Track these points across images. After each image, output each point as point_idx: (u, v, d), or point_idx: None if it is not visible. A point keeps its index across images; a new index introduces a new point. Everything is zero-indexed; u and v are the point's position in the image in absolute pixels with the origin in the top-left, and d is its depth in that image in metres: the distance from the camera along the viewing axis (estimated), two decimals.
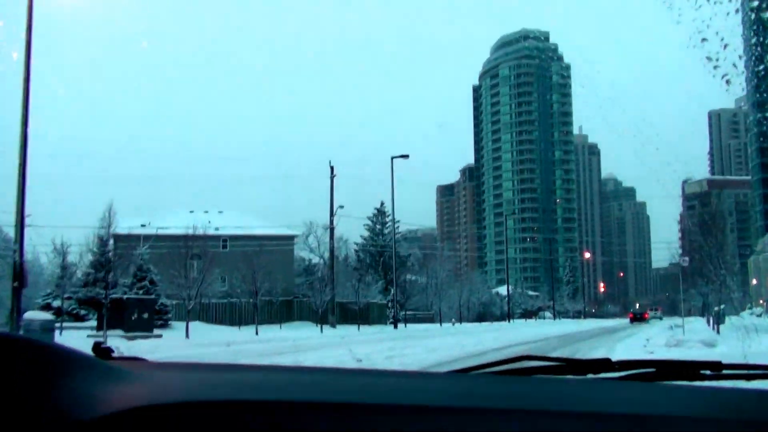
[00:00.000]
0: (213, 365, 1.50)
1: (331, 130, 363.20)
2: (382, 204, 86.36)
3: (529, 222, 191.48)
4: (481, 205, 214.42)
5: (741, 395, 1.36)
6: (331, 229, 46.65)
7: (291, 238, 52.58)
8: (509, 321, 76.10)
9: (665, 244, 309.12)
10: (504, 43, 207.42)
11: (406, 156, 47.07)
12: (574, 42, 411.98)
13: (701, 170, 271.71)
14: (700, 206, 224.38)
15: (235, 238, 48.88)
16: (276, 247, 48.73)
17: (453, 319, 56.84)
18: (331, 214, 46.37)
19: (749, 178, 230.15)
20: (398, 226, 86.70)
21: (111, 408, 1.07)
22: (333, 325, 45.52)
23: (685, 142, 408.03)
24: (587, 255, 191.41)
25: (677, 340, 18.18)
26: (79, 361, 1.24)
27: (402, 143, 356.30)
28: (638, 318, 78.49)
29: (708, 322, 42.65)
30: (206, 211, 51.92)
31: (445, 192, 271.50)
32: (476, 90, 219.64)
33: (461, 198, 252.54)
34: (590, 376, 1.58)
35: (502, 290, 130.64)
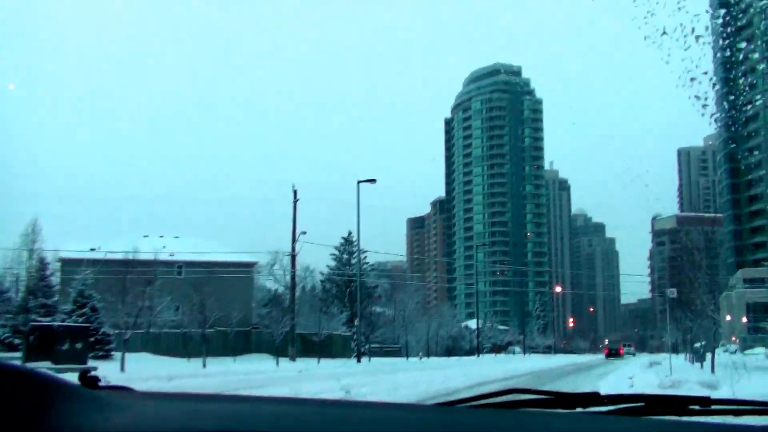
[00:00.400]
0: (202, 395, 1.48)
1: (301, 162, 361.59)
2: (349, 233, 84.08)
3: (499, 255, 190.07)
4: (452, 237, 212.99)
5: (730, 431, 1.37)
6: (293, 257, 44.19)
7: (251, 265, 49.92)
8: (478, 356, 73.75)
9: (640, 277, 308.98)
10: (476, 77, 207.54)
11: (373, 180, 44.95)
12: (547, 78, 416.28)
13: (670, 207, 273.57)
14: (670, 243, 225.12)
15: (191, 264, 46.15)
16: (235, 275, 46.14)
17: (420, 353, 54.40)
18: (293, 241, 43.98)
19: (718, 215, 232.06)
20: (366, 257, 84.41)
21: None
22: (292, 358, 42.92)
23: (655, 179, 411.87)
24: (558, 289, 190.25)
25: (672, 381, 16.04)
26: (65, 390, 1.21)
27: (372, 174, 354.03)
28: (613, 353, 78.38)
29: (692, 360, 40.59)
30: (161, 236, 49.19)
31: (415, 224, 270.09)
32: (448, 123, 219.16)
33: (431, 230, 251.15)
34: (579, 410, 1.55)
35: (472, 324, 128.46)
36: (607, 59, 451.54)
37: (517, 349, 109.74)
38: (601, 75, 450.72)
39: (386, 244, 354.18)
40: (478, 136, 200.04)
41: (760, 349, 67.72)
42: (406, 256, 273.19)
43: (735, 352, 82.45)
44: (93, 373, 1.43)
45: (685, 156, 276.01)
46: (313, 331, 49.66)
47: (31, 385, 1.13)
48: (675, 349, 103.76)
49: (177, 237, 49.92)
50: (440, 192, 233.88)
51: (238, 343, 42.84)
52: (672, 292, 26.80)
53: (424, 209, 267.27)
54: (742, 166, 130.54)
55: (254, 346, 44.63)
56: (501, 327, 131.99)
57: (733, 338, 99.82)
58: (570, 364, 46.24)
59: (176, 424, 1.19)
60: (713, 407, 1.56)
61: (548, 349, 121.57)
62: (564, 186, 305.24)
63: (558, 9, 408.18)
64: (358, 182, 44.80)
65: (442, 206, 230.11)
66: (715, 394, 16.69)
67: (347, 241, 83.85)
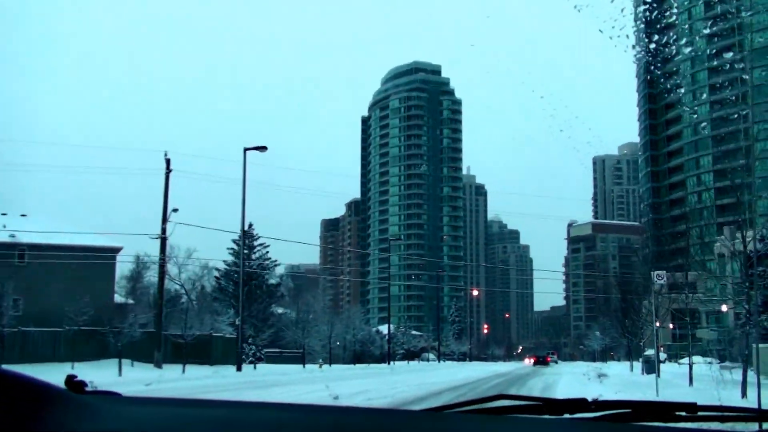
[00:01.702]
0: (189, 401, 1.47)
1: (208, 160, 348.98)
2: (250, 226, 75.51)
3: (415, 259, 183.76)
4: (366, 240, 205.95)
5: None
6: (163, 240, 35.87)
7: (114, 251, 41.15)
8: (389, 363, 66.46)
9: (553, 284, 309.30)
10: (395, 75, 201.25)
11: (262, 148, 37.01)
12: (465, 83, 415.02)
13: (585, 215, 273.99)
14: (585, 249, 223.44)
15: (37, 248, 37.18)
16: (94, 262, 37.48)
17: (320, 360, 46.47)
18: (164, 221, 35.70)
19: (633, 223, 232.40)
20: (268, 251, 76.28)
21: None
22: (157, 365, 34.64)
23: (570, 186, 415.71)
24: (475, 292, 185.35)
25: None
26: (51, 394, 1.20)
27: (287, 176, 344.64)
28: (541, 361, 77.17)
29: (645, 370, 34.09)
30: (4, 213, 40.04)
31: (330, 226, 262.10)
32: (365, 122, 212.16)
33: (346, 233, 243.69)
34: (567, 416, 1.56)
35: (384, 328, 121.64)
36: (525, 65, 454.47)
37: (432, 355, 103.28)
38: (519, 81, 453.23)
39: (301, 247, 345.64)
40: (395, 135, 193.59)
41: (697, 358, 62.82)
42: (320, 259, 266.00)
43: (664, 361, 77.75)
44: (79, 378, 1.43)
45: (600, 164, 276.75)
46: (202, 333, 41.63)
47: (17, 390, 1.11)
48: (604, 357, 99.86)
49: (24, 216, 40.86)
50: (356, 194, 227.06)
51: (92, 345, 34.20)
52: (660, 276, 20.02)
53: (339, 211, 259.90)
54: (662, 169, 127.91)
55: (113, 349, 35.90)
56: (415, 332, 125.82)
57: (660, 346, 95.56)
58: (493, 375, 39.35)
59: (164, 430, 1.19)
60: (699, 414, 1.57)
61: (464, 357, 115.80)
62: (480, 191, 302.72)
63: (479, 10, 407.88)
64: (245, 150, 36.96)
65: (357, 207, 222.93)
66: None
67: (247, 234, 75.31)
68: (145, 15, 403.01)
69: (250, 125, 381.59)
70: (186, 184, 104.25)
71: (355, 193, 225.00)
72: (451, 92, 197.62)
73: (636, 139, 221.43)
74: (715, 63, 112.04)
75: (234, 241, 75.48)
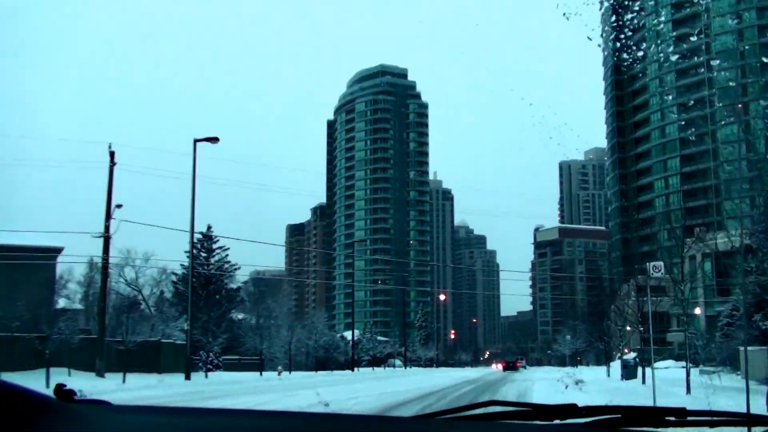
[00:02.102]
0: (178, 409, 1.46)
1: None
2: (208, 228, 72.76)
3: (381, 264, 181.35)
4: (332, 244, 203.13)
5: None
6: (106, 239, 33.10)
7: (54, 251, 38.20)
8: (353, 370, 63.97)
9: (520, 289, 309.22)
10: (361, 78, 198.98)
11: (214, 140, 34.41)
12: (433, 87, 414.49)
13: (552, 220, 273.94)
14: (552, 254, 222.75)
15: None
16: (30, 263, 34.57)
17: (279, 367, 43.81)
18: (107, 218, 32.95)
19: (599, 227, 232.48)
20: (227, 254, 73.47)
21: None
22: (100, 374, 31.88)
23: (537, 191, 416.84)
24: (443, 297, 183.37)
25: None
26: (40, 404, 1.20)
27: (253, 180, 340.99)
28: (510, 366, 76.68)
29: (621, 374, 32.01)
30: None
31: (295, 231, 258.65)
32: (331, 125, 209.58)
33: (312, 237, 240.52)
34: (557, 421, 1.56)
35: (349, 334, 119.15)
36: (490, 75, 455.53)
37: (398, 361, 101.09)
38: (485, 88, 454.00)
39: (266, 253, 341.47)
40: (361, 138, 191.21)
41: (669, 362, 61.18)
42: (285, 265, 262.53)
43: (637, 366, 76.13)
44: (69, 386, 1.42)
45: (566, 169, 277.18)
46: (151, 339, 38.88)
47: (6, 400, 1.11)
48: (574, 362, 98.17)
49: None
50: (321, 198, 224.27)
51: (26, 353, 31.28)
52: (657, 268, 17.88)
53: (305, 216, 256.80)
54: (630, 171, 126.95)
55: (52, 357, 32.98)
56: (381, 338, 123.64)
57: (626, 350, 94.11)
58: (463, 382, 37.07)
59: None
60: (689, 419, 1.57)
61: (431, 362, 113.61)
62: (447, 196, 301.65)
63: (446, 15, 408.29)
64: (195, 141, 34.34)
65: (323, 212, 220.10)
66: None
67: (206, 237, 72.47)
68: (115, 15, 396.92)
69: (215, 128, 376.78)
70: (150, 183, 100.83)
71: (321, 197, 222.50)
72: (418, 96, 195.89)
73: (601, 144, 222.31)
74: (682, 65, 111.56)
75: (193, 243, 72.67)
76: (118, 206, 32.54)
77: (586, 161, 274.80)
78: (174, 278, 71.49)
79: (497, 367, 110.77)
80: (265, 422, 1.39)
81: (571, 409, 1.57)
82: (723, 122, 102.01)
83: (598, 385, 25.30)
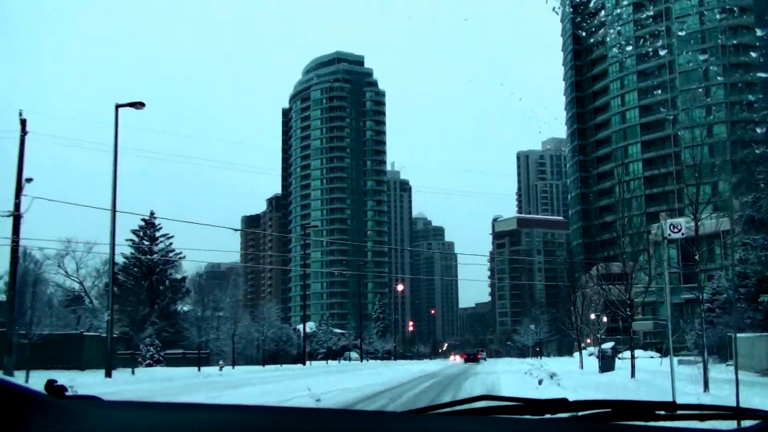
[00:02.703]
0: (169, 404, 1.46)
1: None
2: (151, 214, 68.47)
3: (337, 255, 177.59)
4: (288, 235, 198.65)
5: None
6: (17, 218, 28.99)
7: None
8: (304, 364, 60.34)
9: (478, 281, 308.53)
10: (317, 65, 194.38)
11: (138, 105, 30.43)
12: (390, 77, 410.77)
13: (510, 209, 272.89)
14: (510, 244, 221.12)
15: None
16: None
17: (221, 362, 39.89)
18: (17, 195, 28.85)
19: (557, 217, 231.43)
20: (171, 243, 69.29)
21: None
22: (8, 372, 27.85)
23: (495, 181, 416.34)
24: (400, 287, 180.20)
25: None
26: (31, 399, 1.20)
27: (208, 172, 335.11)
28: (471, 358, 76.15)
29: (599, 366, 28.87)
30: None
31: (251, 223, 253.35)
32: (286, 114, 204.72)
33: (267, 229, 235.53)
34: (548, 416, 1.58)
35: (306, 326, 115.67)
36: (449, 65, 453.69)
37: (354, 354, 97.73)
38: (443, 79, 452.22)
39: (221, 246, 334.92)
40: (317, 127, 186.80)
41: (638, 351, 58.74)
42: (241, 257, 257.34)
43: (592, 355, 73.53)
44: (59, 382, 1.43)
45: (524, 159, 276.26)
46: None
47: None
48: (536, 353, 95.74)
49: None
50: (277, 189, 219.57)
51: None
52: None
53: (261, 207, 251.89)
54: (590, 158, 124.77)
55: None
56: (337, 330, 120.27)
57: (589, 339, 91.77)
58: (422, 376, 33.67)
59: None
60: (679, 412, 1.61)
61: (388, 355, 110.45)
62: (405, 187, 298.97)
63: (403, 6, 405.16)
64: (117, 106, 30.28)
65: (279, 203, 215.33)
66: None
67: (148, 224, 68.19)
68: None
69: (170, 117, 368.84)
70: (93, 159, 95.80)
71: (277, 188, 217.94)
72: (375, 83, 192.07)
73: (560, 134, 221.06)
74: (643, 49, 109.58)
75: (134, 231, 68.30)
76: (28, 180, 28.50)
77: (544, 151, 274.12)
78: (115, 268, 66.98)
79: (455, 359, 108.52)
80: (255, 418, 1.39)
81: (561, 404, 1.58)
82: (684, 107, 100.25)
83: (575, 379, 22.15)
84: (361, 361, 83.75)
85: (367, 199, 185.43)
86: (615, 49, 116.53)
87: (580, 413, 1.58)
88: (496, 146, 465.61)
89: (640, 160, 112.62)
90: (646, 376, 23.48)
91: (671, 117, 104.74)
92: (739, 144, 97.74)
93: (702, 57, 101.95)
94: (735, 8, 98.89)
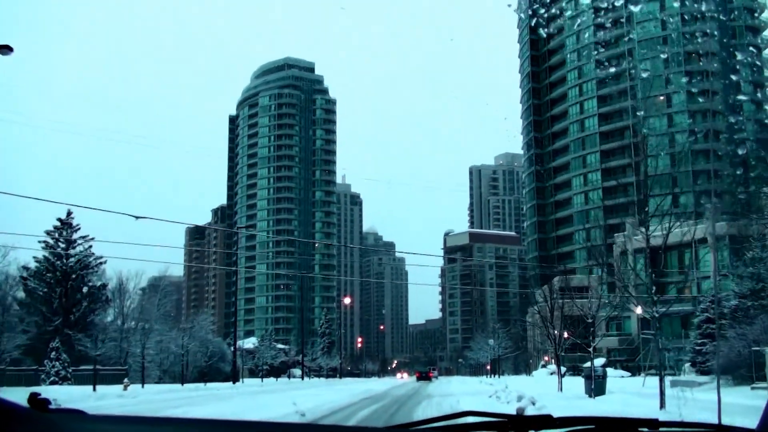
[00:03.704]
0: (153, 419, 1.43)
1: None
2: (68, 214, 61.32)
3: (284, 267, 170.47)
4: (232, 247, 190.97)
5: None
6: None
7: None
8: (235, 382, 53.81)
9: (429, 298, 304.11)
10: (266, 71, 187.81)
11: (5, 49, 24.10)
12: (341, 88, 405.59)
13: (461, 224, 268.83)
14: (462, 259, 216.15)
15: None
16: None
17: (126, 381, 33.28)
18: None
19: (510, 233, 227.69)
20: (91, 246, 62.16)
21: None
22: None
23: (447, 196, 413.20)
24: (347, 300, 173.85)
25: None
26: (13, 413, 1.18)
27: (151, 184, 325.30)
28: (424, 377, 75.24)
29: (590, 390, 23.04)
30: None
31: (196, 234, 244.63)
32: (233, 120, 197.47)
33: (212, 241, 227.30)
34: None
35: (248, 342, 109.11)
36: (403, 77, 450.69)
37: (298, 371, 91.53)
38: (397, 92, 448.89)
39: (164, 257, 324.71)
40: (264, 134, 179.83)
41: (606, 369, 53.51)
42: (184, 271, 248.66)
43: (553, 373, 68.15)
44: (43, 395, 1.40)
45: (476, 174, 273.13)
46: None
47: None
48: (493, 371, 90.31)
49: None
50: (223, 199, 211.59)
51: None
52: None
53: (206, 218, 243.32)
54: (547, 168, 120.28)
55: None
56: (280, 346, 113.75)
57: (546, 357, 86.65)
58: (365, 399, 27.67)
59: None
60: (661, 429, 1.58)
61: (334, 372, 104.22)
62: (356, 201, 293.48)
63: (356, 15, 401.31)
64: None
65: (224, 213, 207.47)
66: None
67: (64, 225, 61.03)
68: None
69: (114, 122, 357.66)
70: None
71: (223, 198, 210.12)
72: (325, 91, 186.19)
73: (514, 149, 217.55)
74: (603, 56, 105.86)
75: (47, 232, 61.12)
76: None
77: (496, 166, 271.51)
78: (24, 274, 59.59)
79: (403, 378, 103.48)
80: None
81: (545, 420, 1.55)
82: (646, 114, 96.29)
83: (566, 407, 16.46)
84: (303, 379, 77.30)
85: (315, 210, 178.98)
86: (573, 55, 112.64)
87: (564, 430, 1.53)
88: (448, 161, 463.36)
89: (599, 170, 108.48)
90: (652, 401, 17.89)
91: (630, 124, 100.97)
92: (701, 154, 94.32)
93: (663, 63, 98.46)
94: (698, 15, 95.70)
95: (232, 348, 77.58)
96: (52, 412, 1.36)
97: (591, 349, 22.90)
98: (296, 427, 1.42)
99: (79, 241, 61.16)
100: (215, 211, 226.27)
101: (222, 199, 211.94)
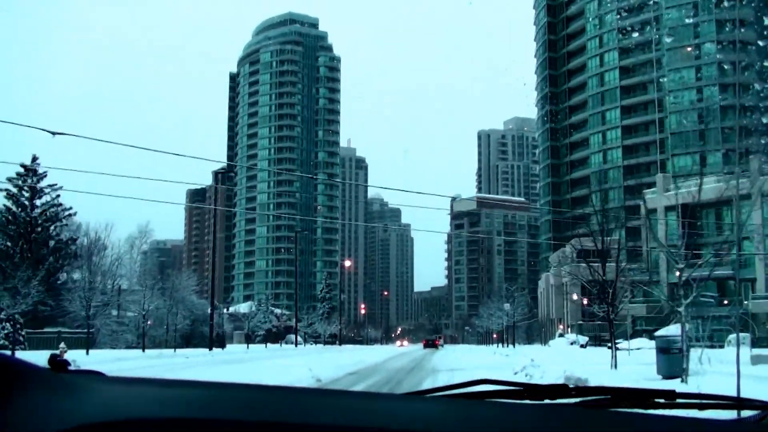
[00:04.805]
0: (174, 381, 1.46)
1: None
2: (33, 159, 54.91)
3: (285, 231, 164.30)
4: (232, 209, 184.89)
5: (694, 425, 1.43)
6: None
7: None
8: (211, 349, 47.76)
9: (435, 266, 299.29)
10: (267, 26, 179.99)
11: None
12: (346, 47, 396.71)
13: (470, 191, 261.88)
14: (469, 225, 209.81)
15: None
16: None
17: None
18: None
19: (519, 198, 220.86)
20: (59, 196, 55.87)
21: (66, 424, 1.07)
22: None
23: (455, 161, 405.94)
24: (348, 263, 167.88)
25: None
26: (34, 374, 1.21)
27: (153, 139, 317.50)
28: (431, 344, 75.42)
29: (658, 365, 16.28)
30: None
31: (196, 197, 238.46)
32: (234, 78, 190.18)
33: (213, 203, 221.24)
34: (547, 401, 1.58)
35: (245, 306, 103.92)
36: (411, 36, 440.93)
37: (298, 337, 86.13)
38: (405, 53, 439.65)
39: (166, 222, 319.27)
40: (265, 92, 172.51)
41: (640, 340, 47.13)
42: (185, 233, 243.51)
43: (573, 343, 62.17)
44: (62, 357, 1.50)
45: (485, 138, 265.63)
46: None
47: (0, 370, 1.13)
48: (503, 340, 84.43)
49: None
50: (224, 159, 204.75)
51: None
52: None
53: (208, 180, 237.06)
54: (562, 126, 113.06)
55: None
56: (282, 312, 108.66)
57: (560, 326, 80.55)
58: (355, 372, 21.44)
59: (148, 410, 1.20)
60: (678, 401, 1.60)
61: (333, 339, 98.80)
62: (361, 165, 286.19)
63: None
64: None
65: (224, 175, 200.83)
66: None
67: (29, 171, 54.65)
68: None
69: (113, 84, 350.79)
70: None
71: (225, 158, 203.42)
72: (329, 48, 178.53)
73: (523, 113, 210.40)
74: (625, 2, 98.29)
75: (9, 179, 54.75)
76: None
77: (505, 131, 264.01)
78: None
79: (403, 346, 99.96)
80: (260, 395, 1.40)
81: (561, 389, 1.57)
82: (671, 68, 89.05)
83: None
84: (296, 345, 71.49)
85: (318, 171, 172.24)
86: (593, 4, 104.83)
87: (580, 399, 1.55)
88: (457, 125, 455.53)
89: (619, 127, 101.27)
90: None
91: (654, 79, 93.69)
92: (731, 109, 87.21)
93: (691, 12, 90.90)
94: None
95: (218, 311, 71.76)
96: (72, 374, 1.38)
97: (677, 309, 16.54)
98: (312, 392, 1.47)
99: (47, 190, 55.02)
100: (216, 173, 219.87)
101: (223, 159, 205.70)
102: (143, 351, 38.48)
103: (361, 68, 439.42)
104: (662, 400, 1.57)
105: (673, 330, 16.37)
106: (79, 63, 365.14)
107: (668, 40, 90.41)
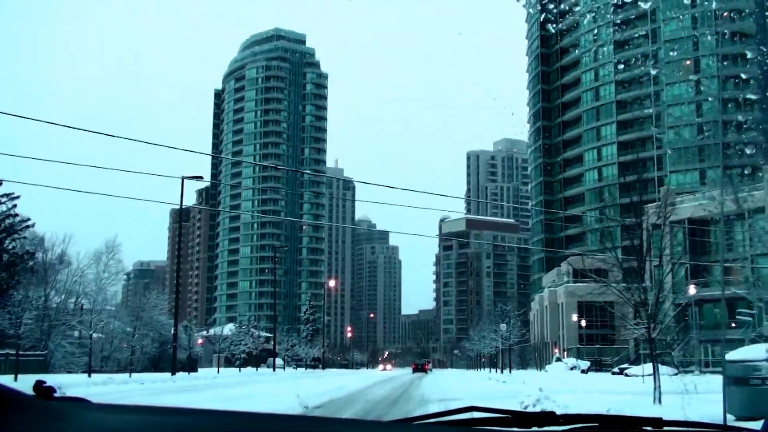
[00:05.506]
0: (162, 408, 1.44)
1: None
2: None
3: (269, 251, 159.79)
4: (215, 229, 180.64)
5: None
6: None
7: None
8: (174, 374, 43.43)
9: (422, 288, 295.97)
10: (254, 42, 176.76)
11: None
12: (334, 64, 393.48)
13: (458, 213, 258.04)
14: (458, 246, 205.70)
15: None
16: None
17: None
18: None
19: (508, 220, 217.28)
20: (15, 206, 51.65)
21: None
22: None
23: (443, 182, 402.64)
24: (332, 283, 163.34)
25: None
26: (19, 401, 1.19)
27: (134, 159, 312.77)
28: (420, 369, 74.81)
29: (725, 401, 11.93)
30: None
31: (179, 216, 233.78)
32: (219, 95, 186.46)
33: (196, 223, 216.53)
34: (535, 429, 1.57)
35: (226, 329, 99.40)
36: (401, 55, 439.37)
37: (279, 361, 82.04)
38: (394, 74, 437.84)
39: (149, 243, 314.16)
40: (251, 109, 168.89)
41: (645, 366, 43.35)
42: (168, 254, 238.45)
43: (573, 368, 58.10)
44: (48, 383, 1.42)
45: (474, 159, 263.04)
46: None
47: None
48: (494, 364, 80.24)
49: None
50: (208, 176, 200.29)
51: None
52: None
53: (191, 199, 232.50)
54: (555, 142, 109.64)
55: None
56: (258, 333, 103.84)
57: (556, 350, 76.19)
58: (324, 402, 17.26)
59: None
60: (665, 428, 1.58)
61: (316, 363, 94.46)
62: (348, 186, 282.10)
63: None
64: None
65: (208, 193, 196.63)
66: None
67: None
68: None
69: (92, 99, 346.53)
70: None
71: (207, 175, 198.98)
72: (317, 64, 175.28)
73: (512, 136, 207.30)
74: (621, 15, 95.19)
75: None
76: None
77: (495, 152, 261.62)
78: None
79: (386, 370, 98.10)
80: (245, 423, 1.36)
81: (549, 417, 1.56)
82: (669, 81, 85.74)
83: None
84: (274, 369, 67.17)
85: (303, 190, 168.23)
86: (588, 17, 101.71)
87: (568, 427, 1.54)
88: (445, 146, 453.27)
89: (615, 143, 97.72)
90: None
91: (651, 93, 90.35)
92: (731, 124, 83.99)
93: (689, 25, 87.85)
94: None
95: (193, 333, 67.48)
96: (57, 400, 1.36)
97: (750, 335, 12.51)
98: (299, 419, 1.43)
99: (2, 200, 50.67)
100: (200, 192, 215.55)
101: (206, 176, 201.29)
102: (89, 376, 34.09)
103: (348, 87, 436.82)
104: (649, 428, 1.54)
105: (753, 352, 12.23)
106: (58, 78, 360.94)
107: (667, 53, 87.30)
